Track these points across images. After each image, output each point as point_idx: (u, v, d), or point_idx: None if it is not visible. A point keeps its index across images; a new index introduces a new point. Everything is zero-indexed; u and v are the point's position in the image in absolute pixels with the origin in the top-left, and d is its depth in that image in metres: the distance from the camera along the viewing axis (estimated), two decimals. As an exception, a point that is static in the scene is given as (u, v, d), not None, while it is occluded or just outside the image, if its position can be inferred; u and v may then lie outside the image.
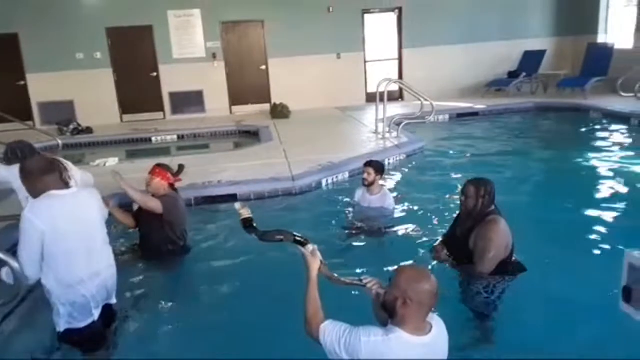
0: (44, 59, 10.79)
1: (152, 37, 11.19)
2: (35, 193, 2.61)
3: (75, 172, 3.78)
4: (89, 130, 10.18)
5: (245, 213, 2.31)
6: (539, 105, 10.43)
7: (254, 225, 2.30)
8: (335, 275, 2.28)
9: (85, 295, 2.66)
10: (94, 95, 11.11)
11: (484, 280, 3.07)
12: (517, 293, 3.10)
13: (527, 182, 5.92)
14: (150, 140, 9.68)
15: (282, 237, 2.27)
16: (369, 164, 4.66)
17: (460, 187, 3.38)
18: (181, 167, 4.30)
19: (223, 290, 3.69)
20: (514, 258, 3.19)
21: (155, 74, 11.41)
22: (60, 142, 7.80)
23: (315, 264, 2.23)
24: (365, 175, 4.58)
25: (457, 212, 3.45)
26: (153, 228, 3.99)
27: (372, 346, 1.93)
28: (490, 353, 2.84)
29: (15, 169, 3.49)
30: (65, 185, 2.71)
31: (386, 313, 2.02)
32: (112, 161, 7.21)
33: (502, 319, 3.04)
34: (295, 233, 2.29)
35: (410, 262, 3.43)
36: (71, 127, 10.11)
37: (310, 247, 2.25)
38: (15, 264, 2.67)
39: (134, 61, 11.33)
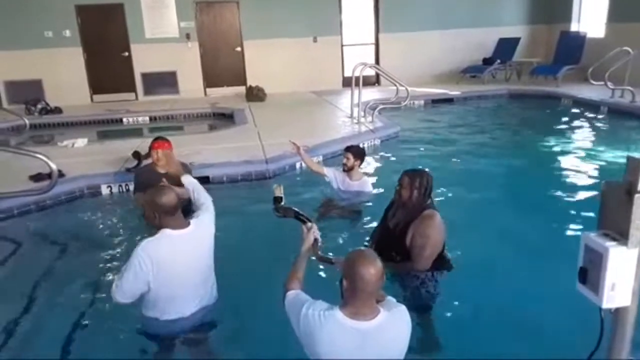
0: (9, 36, 10.39)
1: (123, 16, 10.88)
2: (153, 223, 2.58)
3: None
4: (57, 111, 9.89)
5: (278, 192, 2.75)
6: (512, 92, 10.57)
7: (281, 203, 2.70)
8: (320, 252, 2.46)
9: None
10: (63, 74, 10.80)
11: (421, 275, 2.98)
12: (455, 286, 3.02)
13: (496, 166, 5.96)
14: (121, 121, 9.47)
15: (287, 212, 2.61)
16: (348, 149, 4.64)
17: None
18: (136, 155, 4.13)
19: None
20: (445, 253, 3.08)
21: (127, 53, 11.13)
22: (27, 121, 7.61)
23: (308, 240, 2.41)
24: (345, 160, 4.57)
25: (390, 202, 3.27)
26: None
27: (308, 319, 1.93)
28: (438, 353, 2.70)
29: None
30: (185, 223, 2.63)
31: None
32: (81, 142, 6.99)
33: (441, 313, 2.90)
34: (298, 210, 2.59)
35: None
36: (39, 106, 9.81)
37: (309, 224, 2.47)
38: None
39: (105, 40, 11.02)
